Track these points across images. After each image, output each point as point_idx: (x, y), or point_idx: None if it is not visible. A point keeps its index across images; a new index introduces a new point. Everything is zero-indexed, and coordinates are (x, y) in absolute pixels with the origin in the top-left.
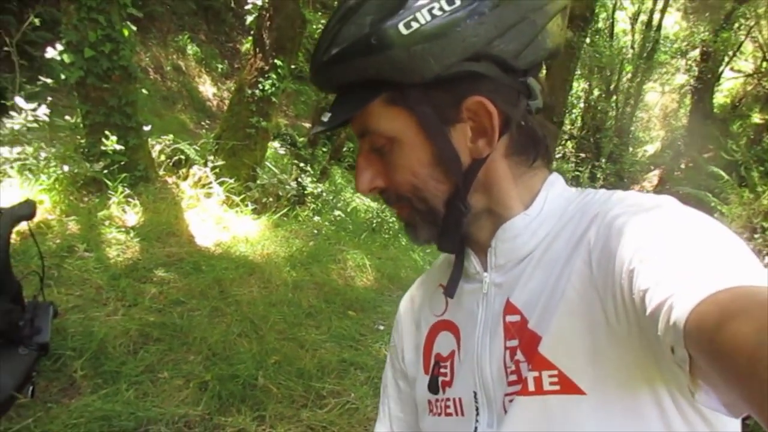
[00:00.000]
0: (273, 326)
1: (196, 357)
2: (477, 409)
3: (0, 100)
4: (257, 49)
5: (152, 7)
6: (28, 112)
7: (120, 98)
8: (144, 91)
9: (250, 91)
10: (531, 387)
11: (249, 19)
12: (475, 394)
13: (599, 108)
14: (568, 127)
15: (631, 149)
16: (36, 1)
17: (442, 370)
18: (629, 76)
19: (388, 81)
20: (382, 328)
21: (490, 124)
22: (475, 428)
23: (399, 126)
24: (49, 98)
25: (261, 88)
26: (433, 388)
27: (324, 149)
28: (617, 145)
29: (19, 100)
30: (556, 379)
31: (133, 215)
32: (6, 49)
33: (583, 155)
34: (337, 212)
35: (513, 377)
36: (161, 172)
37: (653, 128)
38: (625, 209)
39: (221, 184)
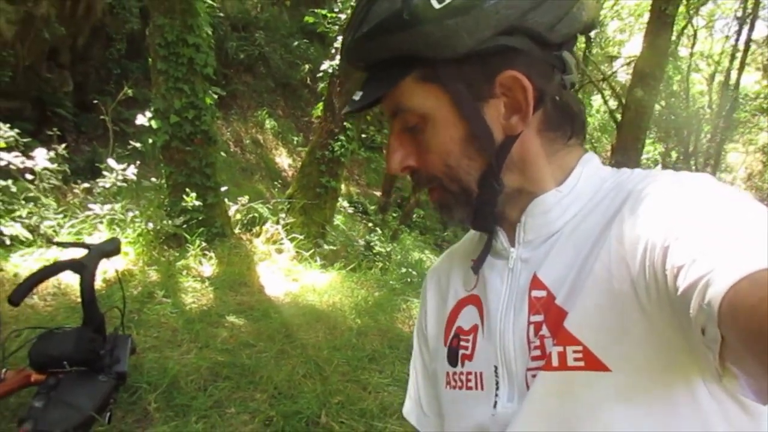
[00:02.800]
0: (337, 368)
1: (262, 395)
2: (497, 383)
3: (95, 164)
4: (327, 113)
5: (234, 86)
6: (118, 171)
7: (201, 160)
8: (222, 153)
9: (320, 153)
10: (555, 362)
11: (321, 85)
12: (496, 368)
13: (678, 170)
14: None
15: None
16: (128, 82)
17: (462, 343)
18: (708, 137)
19: (421, 57)
20: None
21: (525, 99)
22: (495, 402)
23: (432, 103)
24: (138, 162)
25: (330, 149)
26: (452, 359)
27: (394, 215)
28: None
29: (111, 162)
30: (580, 355)
31: (208, 266)
32: (102, 117)
33: None
34: (404, 269)
35: (537, 352)
36: (237, 230)
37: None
38: (660, 186)
39: (292, 240)
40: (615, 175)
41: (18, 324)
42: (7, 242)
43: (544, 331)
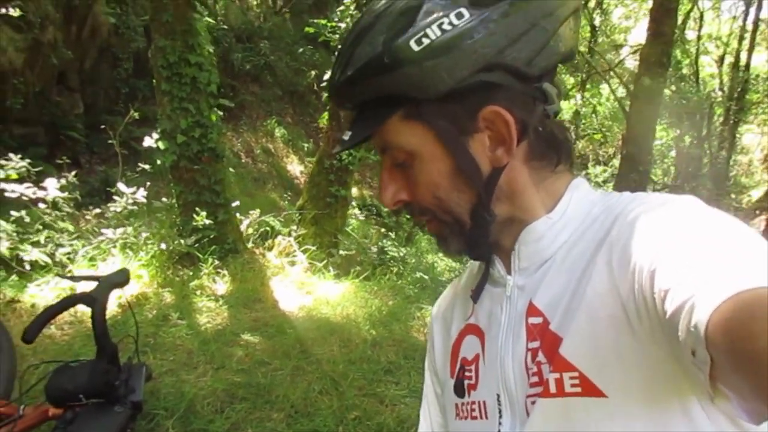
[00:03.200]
0: (353, 383)
1: (278, 414)
2: (500, 411)
3: (106, 188)
4: (333, 122)
5: (242, 97)
6: (128, 195)
7: (209, 177)
8: (231, 170)
9: (328, 162)
10: (552, 389)
11: (325, 95)
12: (498, 396)
13: (692, 155)
14: (661, 177)
15: (733, 195)
16: (137, 100)
17: (467, 374)
18: (721, 119)
19: (404, 97)
20: None
21: (508, 132)
22: (498, 431)
23: (418, 140)
24: (148, 183)
25: (338, 158)
26: (459, 391)
27: (408, 217)
28: (713, 191)
29: (121, 186)
30: (577, 381)
31: (222, 284)
32: (110, 141)
33: None
34: (419, 273)
35: (535, 379)
36: (249, 245)
37: (756, 172)
38: (647, 209)
39: (304, 251)
40: (604, 199)
41: (36, 355)
42: (27, 267)
43: (541, 357)
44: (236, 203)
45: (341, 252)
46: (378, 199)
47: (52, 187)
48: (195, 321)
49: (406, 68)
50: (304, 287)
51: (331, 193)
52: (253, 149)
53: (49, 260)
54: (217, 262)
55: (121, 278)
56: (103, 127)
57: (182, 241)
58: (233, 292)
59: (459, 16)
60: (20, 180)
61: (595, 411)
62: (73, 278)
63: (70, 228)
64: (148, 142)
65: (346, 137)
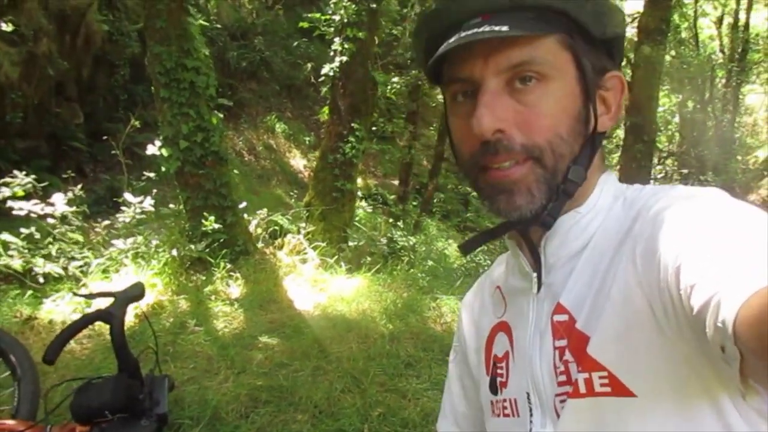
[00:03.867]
0: (374, 379)
1: (303, 416)
2: (530, 409)
3: (113, 198)
4: (334, 116)
5: (240, 95)
6: (136, 205)
7: (215, 181)
8: (235, 171)
9: (332, 157)
10: (582, 389)
11: (324, 89)
12: (528, 394)
13: (696, 119)
14: (666, 144)
15: (740, 157)
16: (136, 105)
17: (498, 371)
18: (723, 82)
19: (575, 22)
20: None
21: (618, 101)
22: (530, 429)
23: (563, 69)
24: (155, 190)
25: (342, 152)
26: (493, 389)
27: (414, 203)
28: (720, 155)
29: (127, 196)
30: (606, 381)
31: (236, 287)
32: (113, 152)
33: (686, 171)
34: (430, 262)
35: (562, 378)
36: (259, 245)
37: (761, 132)
38: (669, 203)
39: (315, 248)
40: (627, 191)
41: (58, 372)
42: (41, 281)
43: (568, 356)
44: (243, 204)
45: (351, 244)
46: (465, 133)
47: (59, 202)
48: (212, 327)
49: None
50: (317, 284)
51: (337, 188)
52: (255, 147)
53: (62, 272)
54: (229, 265)
55: (136, 292)
56: (105, 138)
57: (193, 247)
58: (247, 294)
59: None
60: (27, 196)
61: (626, 411)
62: (89, 296)
63: (81, 239)
64: (152, 149)
65: (489, 27)
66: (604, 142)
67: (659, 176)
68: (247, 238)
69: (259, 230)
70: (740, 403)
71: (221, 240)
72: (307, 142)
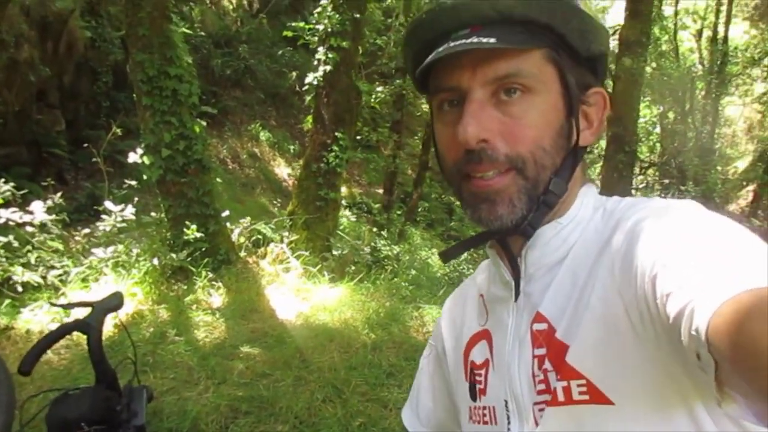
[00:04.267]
0: (355, 389)
1: (283, 426)
2: (508, 417)
3: (93, 206)
4: (318, 125)
5: (224, 103)
6: (116, 214)
7: (197, 189)
8: (218, 179)
9: (315, 166)
10: (561, 397)
11: (308, 98)
12: (506, 402)
13: (677, 130)
14: (647, 155)
15: (719, 168)
16: (118, 112)
17: (477, 378)
18: (703, 93)
19: (561, 39)
20: None
21: (600, 117)
22: None
23: (548, 82)
24: (137, 198)
25: (326, 161)
26: (473, 395)
27: (399, 212)
28: (700, 166)
29: (108, 204)
30: (584, 389)
31: (217, 297)
32: (94, 160)
33: (666, 181)
34: (413, 271)
35: (541, 386)
36: (242, 254)
37: (740, 143)
38: (647, 214)
39: (298, 257)
40: (606, 203)
41: (34, 382)
42: (20, 290)
43: (547, 365)
44: (226, 213)
45: (335, 253)
46: (449, 141)
47: (39, 210)
48: (193, 336)
49: (580, 15)
50: (300, 294)
51: (321, 197)
52: (239, 155)
53: (41, 281)
54: (210, 274)
55: (114, 302)
56: (86, 145)
57: (174, 256)
58: (229, 303)
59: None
60: (5, 204)
61: (604, 418)
62: (67, 306)
63: (61, 247)
64: (133, 157)
65: (478, 38)
66: (586, 153)
67: (641, 186)
68: (230, 247)
69: (242, 239)
70: (714, 411)
71: (203, 249)
72: (292, 151)
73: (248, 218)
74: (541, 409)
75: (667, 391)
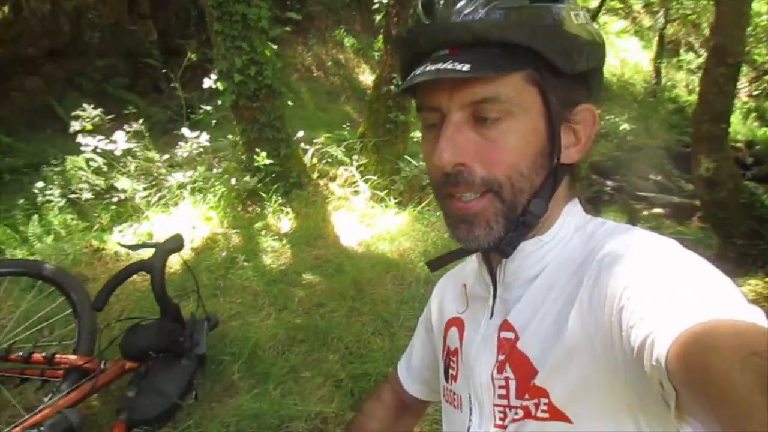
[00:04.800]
0: (404, 323)
1: (334, 356)
2: (471, 409)
3: (188, 112)
4: (388, 46)
5: (309, 8)
6: (193, 140)
7: (269, 114)
8: (290, 103)
9: (385, 88)
10: (521, 412)
11: (377, 17)
12: (470, 395)
13: None
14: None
15: None
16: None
17: (451, 363)
18: None
19: (542, 58)
20: None
21: (588, 135)
22: (468, 427)
23: (527, 105)
24: (214, 121)
25: (395, 83)
26: (446, 376)
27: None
28: None
29: (185, 131)
30: (546, 407)
31: (286, 222)
32: (172, 85)
33: None
34: None
35: (502, 391)
36: (314, 175)
37: None
38: (618, 248)
39: (366, 181)
40: (588, 224)
41: (109, 312)
42: (122, 197)
43: (509, 372)
44: (300, 133)
45: (403, 176)
46: (431, 160)
47: (121, 140)
48: (260, 262)
49: (563, 35)
50: (364, 220)
51: (390, 120)
52: (324, 62)
53: (137, 190)
54: (281, 199)
55: (175, 244)
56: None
57: (248, 179)
58: (296, 229)
59: (585, 16)
60: (94, 129)
61: None
62: (132, 247)
63: (155, 156)
64: (207, 83)
65: (452, 66)
66: (691, 55)
67: (755, 93)
68: (302, 170)
69: (315, 160)
70: None
71: (275, 173)
72: (376, 57)
73: (322, 137)
74: (501, 412)
75: (622, 416)
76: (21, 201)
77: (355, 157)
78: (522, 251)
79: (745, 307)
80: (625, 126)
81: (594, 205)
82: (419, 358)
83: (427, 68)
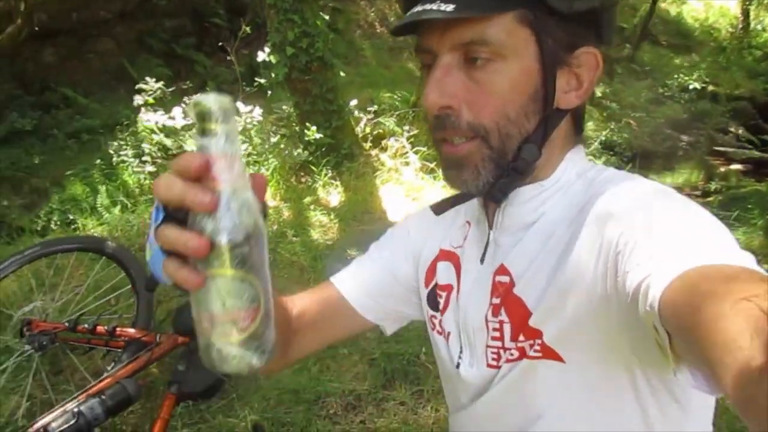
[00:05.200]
0: None
1: (372, 334)
2: (461, 347)
3: (252, 74)
4: None
5: None
6: (246, 114)
7: (321, 86)
8: (342, 74)
9: None
10: (516, 353)
11: None
12: (460, 333)
13: None
14: None
15: None
16: (245, 13)
17: (439, 294)
18: None
19: None
20: None
21: (590, 79)
22: (458, 363)
23: (519, 48)
24: (269, 92)
25: None
26: (432, 304)
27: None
28: None
29: (239, 104)
30: (539, 347)
31: (336, 195)
32: (228, 58)
33: None
34: None
35: (495, 333)
36: (367, 145)
37: None
38: (616, 194)
39: (416, 153)
40: (590, 172)
41: (167, 286)
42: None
43: (503, 316)
44: (354, 102)
45: None
46: (423, 102)
47: (179, 117)
48: (308, 237)
49: None
50: (411, 194)
51: None
52: (387, 17)
53: None
54: (331, 172)
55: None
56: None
57: (300, 151)
58: (345, 203)
59: None
60: (154, 105)
61: (555, 374)
62: None
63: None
64: (261, 56)
65: (438, 6)
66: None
67: None
68: (354, 141)
69: (368, 129)
70: (653, 380)
71: (327, 144)
72: None
73: (376, 106)
74: (494, 353)
75: (614, 359)
76: (98, 161)
77: (406, 127)
78: (522, 196)
79: (737, 253)
80: (702, 74)
81: (667, 161)
82: (371, 277)
83: (417, 9)
